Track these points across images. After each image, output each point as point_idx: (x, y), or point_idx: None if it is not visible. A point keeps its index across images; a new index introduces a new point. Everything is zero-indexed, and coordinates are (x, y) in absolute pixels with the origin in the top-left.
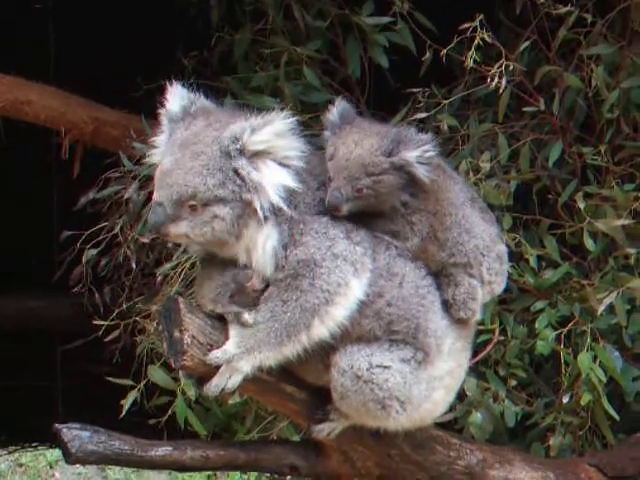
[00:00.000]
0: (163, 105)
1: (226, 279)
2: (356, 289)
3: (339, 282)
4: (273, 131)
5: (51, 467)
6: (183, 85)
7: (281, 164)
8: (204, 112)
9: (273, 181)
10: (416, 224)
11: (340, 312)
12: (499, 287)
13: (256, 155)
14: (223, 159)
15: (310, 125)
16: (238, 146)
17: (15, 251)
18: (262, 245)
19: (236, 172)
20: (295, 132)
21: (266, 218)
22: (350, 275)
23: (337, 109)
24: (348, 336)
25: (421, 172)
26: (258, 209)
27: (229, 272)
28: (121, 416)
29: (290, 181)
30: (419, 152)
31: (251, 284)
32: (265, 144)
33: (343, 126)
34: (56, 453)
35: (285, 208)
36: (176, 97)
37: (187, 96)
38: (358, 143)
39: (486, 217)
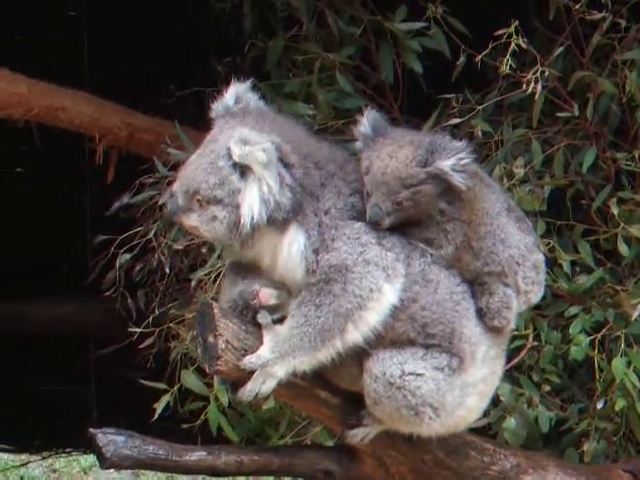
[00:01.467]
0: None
1: (234, 295)
2: (389, 294)
3: (371, 287)
4: (253, 156)
5: (85, 473)
6: (246, 83)
7: (261, 190)
8: (244, 112)
9: (248, 197)
10: (450, 232)
11: (373, 317)
12: (536, 296)
13: (248, 167)
14: (225, 161)
15: (343, 131)
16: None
17: (48, 256)
18: (287, 250)
19: (230, 176)
20: (280, 165)
21: (286, 222)
22: (382, 281)
23: (368, 120)
24: (382, 341)
25: (457, 179)
26: (242, 216)
27: (240, 287)
28: (153, 419)
29: (258, 211)
30: (454, 160)
31: (257, 301)
32: (245, 160)
33: (376, 138)
34: (90, 459)
35: (247, 227)
36: (229, 95)
37: (236, 95)
38: (392, 156)
39: (522, 226)
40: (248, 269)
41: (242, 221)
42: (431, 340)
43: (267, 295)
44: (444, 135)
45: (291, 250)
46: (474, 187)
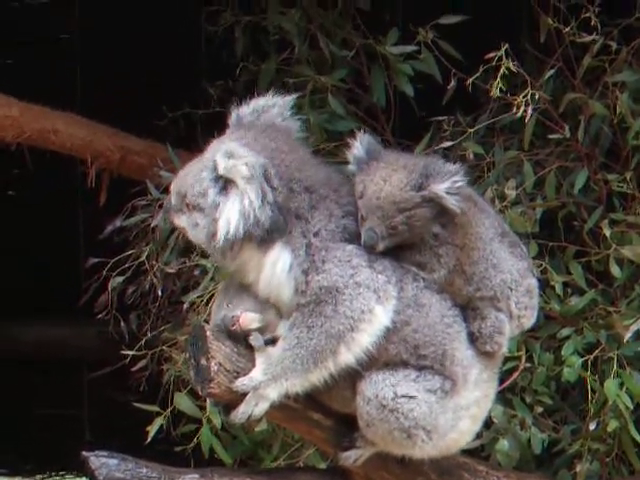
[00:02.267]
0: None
1: (217, 320)
2: (381, 316)
3: (362, 309)
4: (237, 169)
5: None
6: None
7: (242, 204)
8: (248, 126)
9: (227, 210)
10: (443, 256)
11: (365, 339)
12: (529, 321)
13: (231, 182)
14: (208, 173)
15: (335, 153)
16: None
17: (41, 278)
18: (270, 268)
19: (209, 189)
20: (266, 181)
21: (269, 241)
22: (373, 302)
23: (362, 144)
24: (375, 362)
25: (451, 202)
26: (219, 229)
27: (223, 311)
28: (147, 442)
29: (235, 225)
30: (449, 184)
31: (237, 326)
32: (229, 173)
33: (370, 162)
34: None
35: (222, 241)
36: (248, 107)
37: (253, 108)
38: (387, 180)
39: (516, 251)
40: (238, 292)
41: (218, 234)
42: (423, 361)
43: (247, 320)
44: (438, 158)
45: (275, 268)
46: (468, 211)
